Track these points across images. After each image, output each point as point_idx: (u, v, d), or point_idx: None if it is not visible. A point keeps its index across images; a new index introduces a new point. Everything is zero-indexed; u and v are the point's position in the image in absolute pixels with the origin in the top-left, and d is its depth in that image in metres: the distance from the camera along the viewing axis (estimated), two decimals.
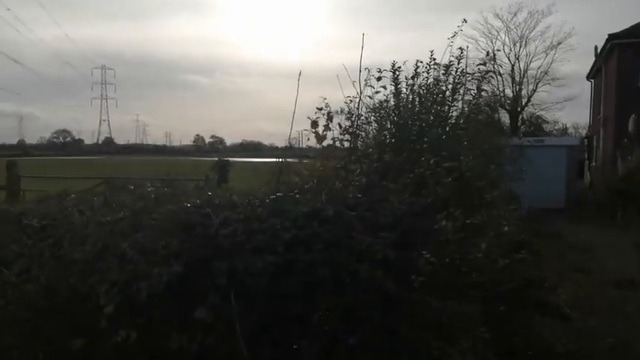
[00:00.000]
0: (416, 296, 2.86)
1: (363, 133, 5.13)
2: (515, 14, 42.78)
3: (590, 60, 23.22)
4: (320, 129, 4.03)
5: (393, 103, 5.51)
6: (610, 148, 18.09)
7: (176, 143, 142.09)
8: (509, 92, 42.54)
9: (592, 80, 25.20)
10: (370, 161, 3.83)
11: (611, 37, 17.65)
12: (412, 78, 5.46)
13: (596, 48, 20.80)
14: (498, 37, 44.52)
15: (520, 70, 41.54)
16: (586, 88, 27.39)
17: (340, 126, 3.88)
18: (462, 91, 6.01)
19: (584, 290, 7.05)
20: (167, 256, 3.10)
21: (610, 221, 14.39)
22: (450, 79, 5.54)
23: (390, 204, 3.15)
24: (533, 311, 5.97)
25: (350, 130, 4.10)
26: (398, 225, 2.96)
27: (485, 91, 6.70)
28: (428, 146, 4.10)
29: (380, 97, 5.63)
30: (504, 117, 43.72)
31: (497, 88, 42.07)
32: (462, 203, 3.60)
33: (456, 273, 2.98)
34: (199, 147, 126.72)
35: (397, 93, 5.76)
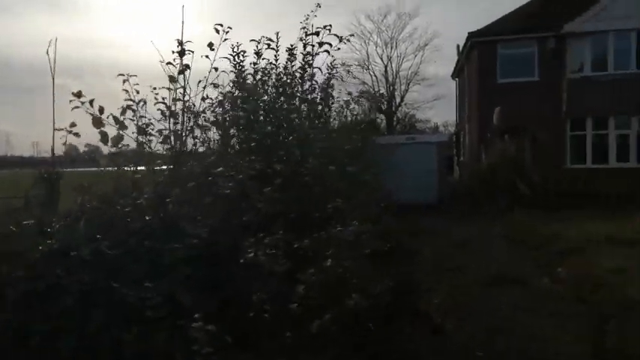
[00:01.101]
0: None
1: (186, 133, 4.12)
2: (385, 16, 44.48)
3: (455, 59, 24.32)
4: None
5: (232, 94, 4.58)
6: (475, 143, 18.92)
7: (46, 154, 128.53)
8: (383, 92, 44.08)
9: (457, 79, 26.54)
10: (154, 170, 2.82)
11: (471, 35, 18.46)
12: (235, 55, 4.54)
13: (458, 47, 21.78)
14: (371, 39, 45.89)
15: (392, 70, 43.19)
16: (453, 86, 28.87)
17: (117, 120, 2.80)
18: (314, 84, 5.25)
19: (458, 291, 6.68)
20: None
21: (478, 214, 14.87)
22: (297, 65, 4.75)
23: (188, 228, 2.19)
24: (404, 325, 5.41)
25: (147, 130, 3.04)
26: (192, 259, 2.01)
27: (350, 73, 6.01)
28: (257, 146, 3.21)
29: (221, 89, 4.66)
30: (380, 116, 45.34)
31: (373, 88, 43.43)
32: (295, 219, 2.77)
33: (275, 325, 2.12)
34: (72, 156, 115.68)
35: (241, 83, 4.84)
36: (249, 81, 4.82)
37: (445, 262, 8.59)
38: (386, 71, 42.83)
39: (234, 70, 4.75)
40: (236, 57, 4.73)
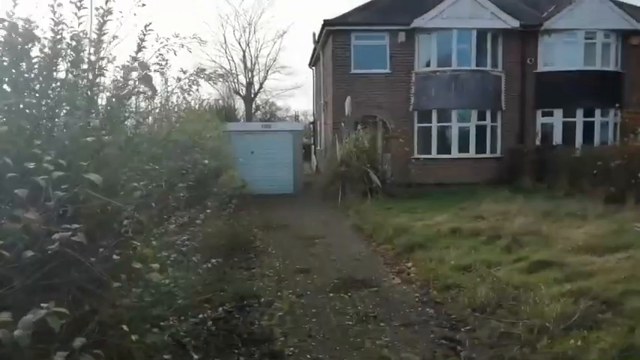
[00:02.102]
0: None
1: None
2: None
3: (312, 47, 23.89)
4: None
5: None
6: (330, 132, 18.70)
7: None
8: (242, 79, 42.82)
9: (314, 68, 26.29)
10: None
11: (326, 23, 18.08)
12: None
13: (314, 35, 21.35)
14: (229, 22, 44.30)
15: (251, 56, 42.03)
16: (311, 75, 28.60)
17: None
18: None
19: (303, 301, 5.91)
20: None
21: (332, 205, 14.57)
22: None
23: None
24: (238, 354, 4.46)
25: None
26: None
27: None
28: None
29: None
30: (239, 103, 44.04)
31: (231, 73, 41.89)
32: None
33: None
34: None
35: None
36: None
37: (293, 263, 7.84)
38: (244, 57, 41.53)
39: None
40: None
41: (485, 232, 8.89)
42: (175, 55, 6.96)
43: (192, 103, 11.22)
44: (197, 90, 8.62)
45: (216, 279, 6.37)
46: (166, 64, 7.03)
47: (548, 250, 7.52)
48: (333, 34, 18.34)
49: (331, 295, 6.12)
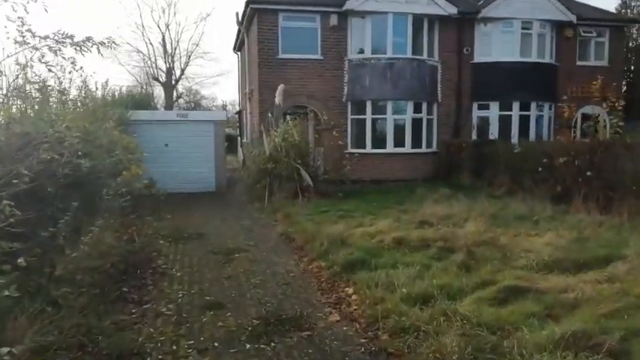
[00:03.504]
0: None
1: None
2: None
3: (237, 29, 21.80)
4: None
5: None
6: (257, 124, 16.90)
7: None
8: (162, 64, 39.87)
9: (239, 53, 24.24)
10: None
11: (250, 1, 16.19)
12: None
13: (237, 15, 19.29)
14: (146, 1, 41.03)
15: (172, 40, 39.16)
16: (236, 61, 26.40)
17: None
18: None
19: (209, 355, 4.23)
20: None
21: (259, 206, 12.86)
22: None
23: None
24: None
25: None
26: None
27: None
28: None
29: None
30: (159, 90, 40.94)
31: (149, 58, 38.76)
32: None
33: None
34: None
35: None
36: None
37: (202, 292, 6.10)
38: (164, 40, 38.57)
39: None
40: None
41: (434, 242, 7.60)
42: (27, 12, 5.04)
43: (70, 83, 8.88)
44: (79, 68, 6.60)
45: (87, 328, 4.55)
46: (22, 22, 5.06)
47: (512, 268, 6.32)
48: (259, 14, 16.49)
49: (248, 346, 4.48)
